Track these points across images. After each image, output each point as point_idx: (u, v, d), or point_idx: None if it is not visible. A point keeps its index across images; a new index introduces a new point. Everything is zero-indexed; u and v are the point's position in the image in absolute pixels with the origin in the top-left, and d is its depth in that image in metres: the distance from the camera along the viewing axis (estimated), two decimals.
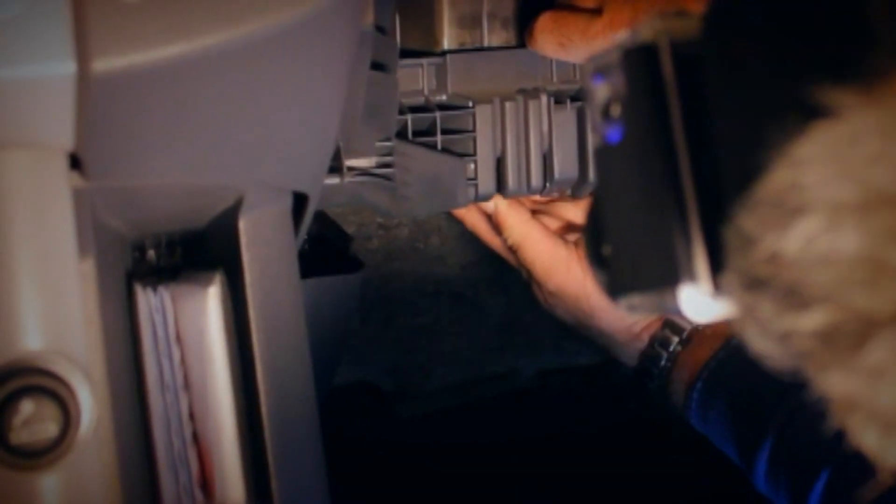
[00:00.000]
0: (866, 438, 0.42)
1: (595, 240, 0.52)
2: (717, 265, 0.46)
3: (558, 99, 1.06)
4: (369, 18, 0.79)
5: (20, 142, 0.59)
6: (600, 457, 1.35)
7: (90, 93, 0.57)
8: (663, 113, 0.48)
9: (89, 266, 0.65)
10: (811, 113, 0.39)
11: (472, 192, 1.04)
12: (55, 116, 0.58)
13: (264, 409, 0.78)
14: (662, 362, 1.08)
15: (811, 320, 0.40)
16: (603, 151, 0.51)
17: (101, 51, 0.56)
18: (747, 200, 0.41)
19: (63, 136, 0.59)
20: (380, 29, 0.85)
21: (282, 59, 0.63)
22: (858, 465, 0.90)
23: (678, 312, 0.47)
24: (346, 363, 1.27)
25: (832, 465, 0.91)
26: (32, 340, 0.60)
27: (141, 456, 0.72)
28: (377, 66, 0.87)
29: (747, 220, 0.41)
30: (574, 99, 1.07)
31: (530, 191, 1.06)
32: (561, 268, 1.09)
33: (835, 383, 0.41)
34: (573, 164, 1.07)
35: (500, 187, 1.05)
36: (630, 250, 0.50)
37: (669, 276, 0.47)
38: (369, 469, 1.27)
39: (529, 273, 1.11)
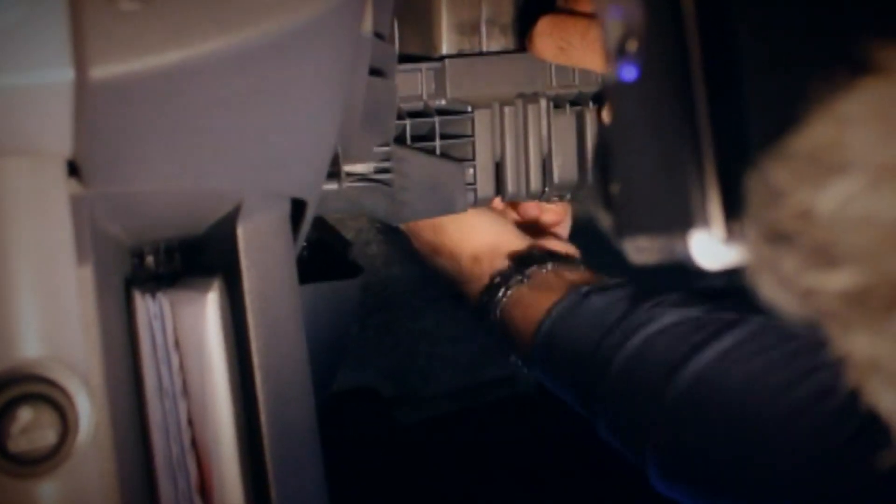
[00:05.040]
0: (885, 400, 0.42)
1: (603, 178, 0.51)
2: (731, 212, 0.44)
3: (557, 103, 1.06)
4: (367, 24, 0.79)
5: (18, 149, 0.59)
6: (600, 462, 1.35)
7: (88, 100, 0.57)
8: (682, 50, 0.46)
9: (88, 272, 0.64)
10: (857, 69, 0.38)
11: (470, 196, 1.04)
12: (53, 123, 0.58)
13: (263, 416, 0.78)
14: (498, 297, 1.08)
15: (839, 280, 0.39)
16: (617, 88, 0.49)
17: (98, 57, 0.56)
18: (778, 152, 0.40)
19: (61, 142, 0.59)
20: (378, 35, 0.85)
21: (280, 65, 0.63)
22: (672, 434, 0.90)
23: (687, 258, 0.46)
24: (346, 368, 1.27)
25: (651, 437, 0.91)
26: (30, 348, 0.60)
27: (140, 462, 0.72)
28: (376, 71, 0.86)
29: (777, 172, 0.40)
30: (573, 103, 1.07)
31: (529, 195, 1.06)
32: None
33: (858, 344, 0.40)
34: (573, 169, 1.07)
35: (499, 191, 1.05)
36: (640, 191, 0.49)
37: (681, 219, 0.45)
38: (369, 474, 1.27)
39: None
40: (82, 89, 0.57)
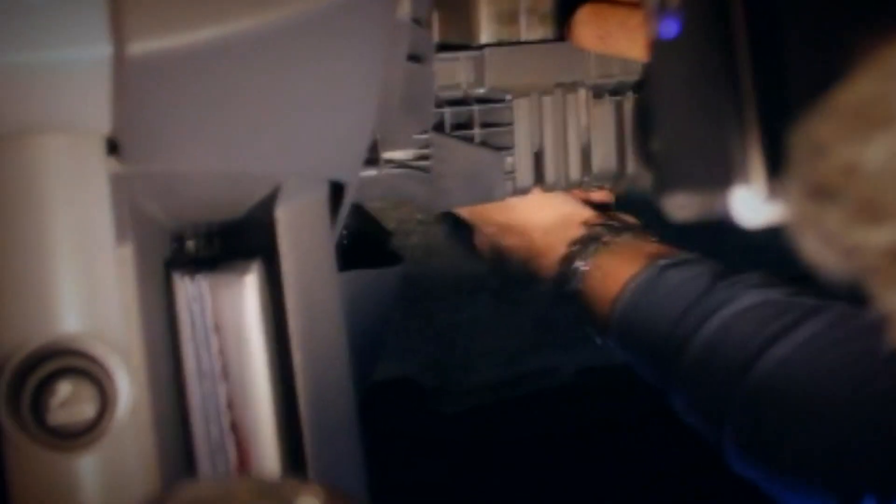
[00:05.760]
0: None
1: (644, 135, 0.50)
2: (773, 168, 0.44)
3: (597, 93, 1.06)
4: (405, 8, 0.79)
5: (57, 126, 0.59)
6: (639, 453, 1.35)
7: (126, 76, 0.58)
8: (724, 4, 0.46)
9: (128, 252, 0.65)
10: None
11: (509, 185, 1.04)
12: (91, 100, 0.59)
13: (302, 399, 0.78)
14: (577, 266, 1.07)
15: (884, 236, 0.39)
16: (658, 45, 0.49)
17: (136, 34, 0.57)
18: (822, 107, 0.40)
19: (100, 120, 0.60)
20: (416, 21, 0.85)
21: (316, 44, 0.63)
22: (752, 410, 0.89)
23: (727, 216, 0.45)
24: (387, 359, 1.27)
25: (730, 412, 0.91)
26: (70, 323, 0.61)
27: (179, 442, 0.72)
28: (413, 57, 0.87)
29: (821, 127, 0.40)
30: (613, 93, 1.06)
31: (569, 185, 1.06)
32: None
33: None
34: (612, 158, 1.07)
35: (539, 181, 1.05)
36: (681, 148, 0.48)
37: (722, 176, 0.45)
38: (409, 464, 1.27)
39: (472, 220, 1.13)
40: (120, 65, 0.57)
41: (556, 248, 1.09)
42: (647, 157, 0.50)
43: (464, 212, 1.12)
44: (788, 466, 0.88)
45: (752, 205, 0.45)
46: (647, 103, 0.51)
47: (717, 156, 0.46)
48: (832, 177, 0.40)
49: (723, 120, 0.46)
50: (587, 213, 1.10)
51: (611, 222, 1.09)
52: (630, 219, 1.11)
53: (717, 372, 0.93)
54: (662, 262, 1.02)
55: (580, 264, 1.07)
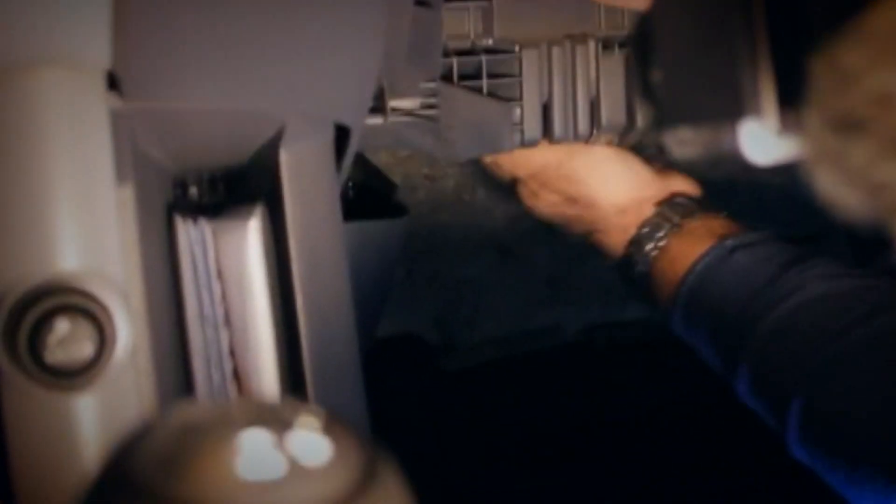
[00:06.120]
0: None
1: (643, 65, 0.48)
2: (787, 99, 0.41)
3: (606, 45, 1.04)
4: None
5: (55, 59, 0.58)
6: (646, 412, 1.34)
7: (126, 8, 0.56)
8: None
9: (128, 192, 0.64)
10: None
11: (517, 137, 1.02)
12: (90, 32, 0.57)
13: (305, 348, 0.77)
14: (648, 248, 1.05)
15: None
16: None
17: None
18: (849, 32, 0.37)
19: (99, 53, 0.58)
20: None
21: None
22: (825, 391, 0.89)
23: (734, 150, 0.43)
24: (391, 315, 1.26)
25: (802, 391, 0.90)
26: (68, 261, 0.59)
27: (179, 386, 0.71)
28: (421, 3, 0.86)
29: (850, 53, 0.37)
30: (622, 45, 1.05)
31: (577, 137, 1.05)
32: (553, 153, 1.06)
33: None
34: (621, 111, 1.05)
35: (547, 133, 1.04)
36: (685, 78, 0.45)
37: (730, 108, 0.42)
38: (412, 421, 1.26)
39: (517, 175, 1.10)
40: None
41: (625, 229, 1.07)
42: (645, 88, 0.47)
43: (520, 171, 1.09)
44: (849, 452, 0.88)
45: (762, 139, 0.42)
46: (647, 28, 0.48)
47: (725, 86, 0.43)
48: (862, 107, 0.37)
49: (731, 46, 0.42)
50: (656, 189, 1.07)
51: (681, 201, 1.07)
52: (686, 184, 1.08)
53: (785, 358, 0.93)
54: (730, 242, 1.01)
55: (649, 248, 1.05)
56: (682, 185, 1.08)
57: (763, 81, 0.42)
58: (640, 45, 0.48)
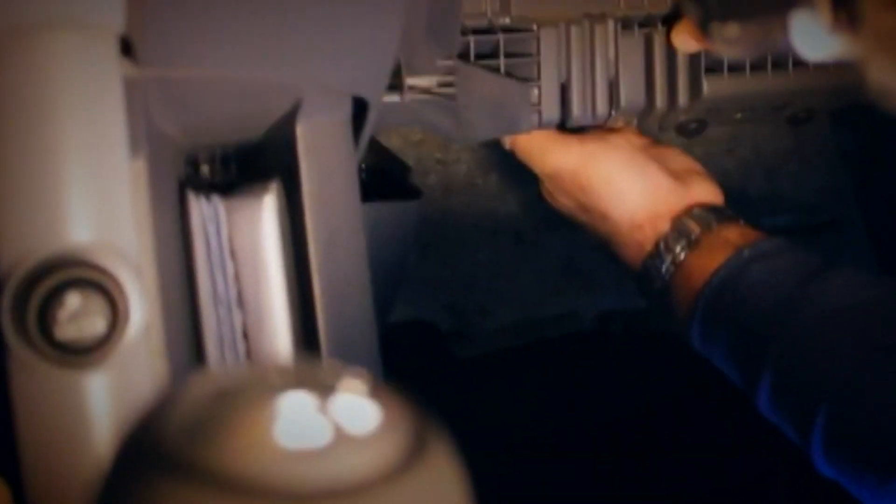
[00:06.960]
0: None
1: None
2: None
3: (625, 24, 1.02)
4: None
5: (68, 22, 0.56)
6: (660, 400, 1.32)
7: None
8: None
9: (141, 165, 0.62)
10: None
11: (535, 118, 1.00)
12: None
13: (322, 330, 0.75)
14: (665, 265, 1.03)
15: None
16: None
17: None
18: None
19: (113, 16, 0.56)
20: None
21: None
22: (854, 403, 0.88)
23: (785, 47, 0.40)
24: (404, 301, 1.24)
25: (828, 403, 0.88)
26: (80, 232, 0.57)
27: (192, 365, 0.69)
28: None
29: None
30: (642, 25, 1.03)
31: (595, 119, 1.03)
32: (568, 159, 1.03)
33: None
34: (640, 92, 1.03)
35: (565, 114, 1.01)
36: None
37: (781, 1, 0.40)
38: (424, 408, 1.24)
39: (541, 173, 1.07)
40: None
41: (640, 245, 1.04)
42: None
43: (535, 170, 1.06)
44: (875, 464, 0.86)
45: (814, 34, 0.40)
46: None
47: None
48: None
49: None
50: (673, 200, 1.04)
51: (698, 213, 1.04)
52: (707, 189, 1.05)
53: (808, 372, 0.91)
54: (747, 252, 0.98)
55: (666, 265, 1.02)
56: (703, 192, 1.05)
57: None
58: None
